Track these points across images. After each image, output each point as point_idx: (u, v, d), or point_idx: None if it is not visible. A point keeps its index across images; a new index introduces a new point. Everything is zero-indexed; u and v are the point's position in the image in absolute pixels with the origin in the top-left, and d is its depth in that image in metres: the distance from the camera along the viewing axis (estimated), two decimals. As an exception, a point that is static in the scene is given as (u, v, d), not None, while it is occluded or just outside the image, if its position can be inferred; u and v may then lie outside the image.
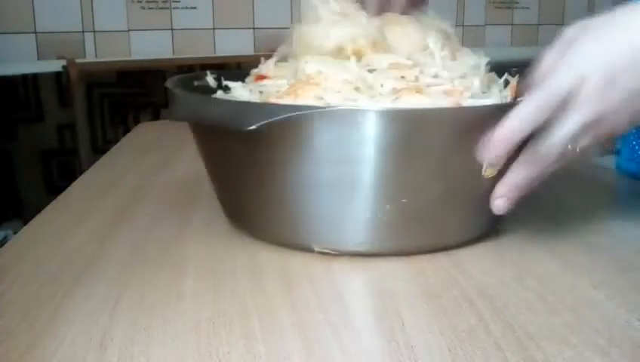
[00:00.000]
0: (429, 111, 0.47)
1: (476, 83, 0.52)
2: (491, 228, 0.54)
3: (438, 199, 0.48)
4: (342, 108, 0.46)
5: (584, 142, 0.45)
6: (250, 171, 0.50)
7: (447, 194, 0.48)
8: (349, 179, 0.47)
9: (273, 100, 0.50)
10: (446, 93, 0.51)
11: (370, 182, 0.47)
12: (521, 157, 0.46)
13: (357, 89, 0.50)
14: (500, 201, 0.48)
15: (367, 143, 0.45)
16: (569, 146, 0.45)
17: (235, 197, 0.55)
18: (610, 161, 0.81)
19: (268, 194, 0.50)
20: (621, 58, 0.43)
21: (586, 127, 0.44)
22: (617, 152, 0.79)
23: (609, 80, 0.43)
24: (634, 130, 0.76)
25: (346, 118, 0.45)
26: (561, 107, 0.44)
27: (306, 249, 0.50)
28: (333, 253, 0.49)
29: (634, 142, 0.75)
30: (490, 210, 0.52)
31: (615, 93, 0.43)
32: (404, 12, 0.62)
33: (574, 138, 0.44)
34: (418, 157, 0.47)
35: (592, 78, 0.43)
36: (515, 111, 0.45)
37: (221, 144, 0.52)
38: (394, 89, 0.50)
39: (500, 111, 0.46)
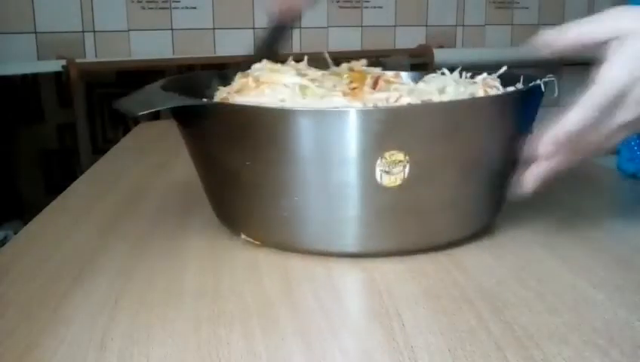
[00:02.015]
0: (415, 107, 0.47)
1: (450, 89, 0.52)
2: (487, 224, 0.54)
3: (430, 196, 0.48)
4: (301, 108, 0.47)
5: (621, 135, 0.47)
6: (234, 174, 0.51)
7: (439, 190, 0.48)
8: (335, 178, 0.46)
9: (224, 97, 0.53)
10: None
11: (358, 181, 0.46)
12: (569, 147, 0.47)
13: (303, 88, 0.51)
14: (530, 183, 0.49)
15: (349, 143, 0.45)
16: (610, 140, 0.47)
17: (223, 201, 0.55)
18: (609, 161, 0.81)
19: (256, 197, 0.50)
20: None
21: (628, 125, 0.46)
22: (617, 152, 0.79)
23: None
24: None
25: (327, 117, 0.45)
26: (613, 105, 0.45)
27: (298, 250, 0.50)
28: (327, 254, 0.49)
29: (632, 143, 0.75)
30: (484, 207, 0.52)
31: None
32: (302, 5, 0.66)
33: (617, 132, 0.46)
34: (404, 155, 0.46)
35: None
36: (574, 111, 0.45)
37: (206, 148, 0.53)
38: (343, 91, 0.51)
39: (487, 105, 0.48)
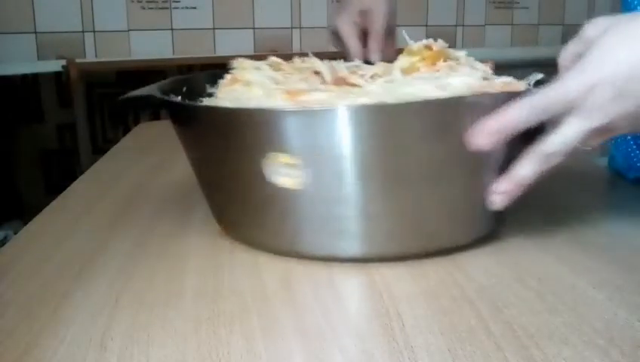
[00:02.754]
0: (399, 105, 0.46)
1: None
2: (490, 231, 0.53)
3: (431, 202, 0.48)
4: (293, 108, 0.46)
5: (590, 143, 0.46)
6: (232, 178, 0.51)
7: (440, 196, 0.48)
8: (333, 180, 0.46)
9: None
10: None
11: (357, 183, 0.46)
12: (527, 155, 0.46)
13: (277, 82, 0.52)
14: (499, 197, 0.48)
15: (340, 142, 0.44)
16: (575, 146, 0.45)
17: (221, 205, 0.55)
18: (605, 163, 0.81)
19: (253, 200, 0.50)
20: (633, 69, 0.43)
21: (593, 132, 0.45)
22: (611, 158, 0.79)
23: (619, 91, 0.43)
24: (630, 138, 0.75)
25: (320, 116, 0.45)
26: (566, 111, 0.44)
27: (292, 255, 0.50)
28: (324, 259, 0.49)
29: (628, 150, 0.75)
30: (486, 213, 0.51)
31: (624, 103, 0.43)
32: (381, 42, 0.65)
33: (581, 140, 0.45)
34: (390, 159, 0.45)
35: (602, 88, 0.43)
36: (516, 106, 0.44)
37: (201, 151, 0.53)
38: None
39: (490, 103, 0.45)
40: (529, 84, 0.51)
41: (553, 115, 0.44)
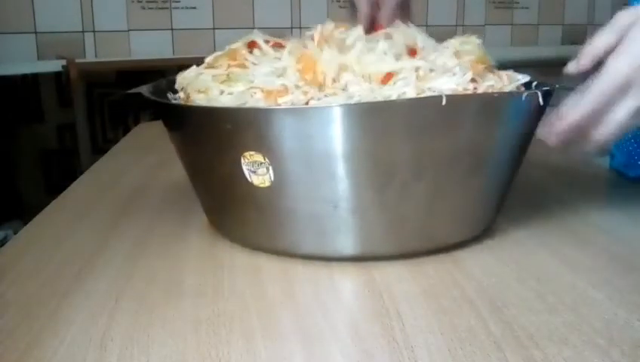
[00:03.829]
0: (390, 102, 0.45)
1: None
2: (486, 227, 0.53)
3: (425, 198, 0.48)
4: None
5: (632, 122, 0.48)
6: (225, 176, 0.50)
7: (434, 193, 0.47)
8: (327, 179, 0.46)
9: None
10: None
11: (352, 181, 0.46)
12: (605, 121, 0.48)
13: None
14: (553, 138, 0.49)
15: (334, 141, 0.44)
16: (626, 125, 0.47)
17: (214, 206, 0.55)
18: (606, 162, 0.81)
19: (246, 200, 0.50)
20: None
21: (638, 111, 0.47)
22: (612, 156, 0.79)
23: None
24: (630, 136, 0.75)
25: (314, 114, 0.45)
26: (619, 93, 0.46)
27: (290, 254, 0.50)
28: (322, 259, 0.49)
29: (630, 148, 0.75)
30: (483, 209, 0.51)
31: None
32: (393, 14, 0.64)
33: (627, 120, 0.47)
34: (384, 155, 0.45)
35: None
36: (586, 96, 0.47)
37: (193, 153, 0.53)
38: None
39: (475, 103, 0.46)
40: (517, 88, 0.51)
41: (610, 99, 0.46)
